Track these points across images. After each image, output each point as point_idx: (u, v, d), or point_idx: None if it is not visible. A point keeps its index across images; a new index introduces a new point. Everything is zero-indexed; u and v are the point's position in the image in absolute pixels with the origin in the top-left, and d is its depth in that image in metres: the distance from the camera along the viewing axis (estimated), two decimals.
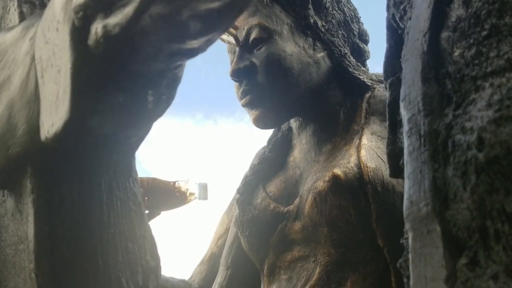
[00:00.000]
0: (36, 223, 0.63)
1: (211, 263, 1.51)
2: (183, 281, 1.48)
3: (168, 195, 1.39)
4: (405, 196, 0.53)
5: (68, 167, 0.64)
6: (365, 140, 1.21)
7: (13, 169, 0.65)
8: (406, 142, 0.55)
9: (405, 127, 0.55)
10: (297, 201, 1.25)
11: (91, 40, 0.52)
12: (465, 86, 0.50)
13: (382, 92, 1.31)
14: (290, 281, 1.23)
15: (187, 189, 1.41)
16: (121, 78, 0.54)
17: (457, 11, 0.53)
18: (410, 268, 0.52)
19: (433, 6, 0.55)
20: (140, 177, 1.38)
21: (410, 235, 0.52)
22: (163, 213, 1.42)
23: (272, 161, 1.41)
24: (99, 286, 0.64)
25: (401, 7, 0.65)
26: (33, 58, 0.61)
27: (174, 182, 1.40)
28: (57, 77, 0.55)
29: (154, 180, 1.39)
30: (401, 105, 0.57)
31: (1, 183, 0.70)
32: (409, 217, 0.52)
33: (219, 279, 1.41)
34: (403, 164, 0.60)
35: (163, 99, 0.60)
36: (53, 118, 0.56)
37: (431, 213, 0.49)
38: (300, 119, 1.35)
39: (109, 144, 0.63)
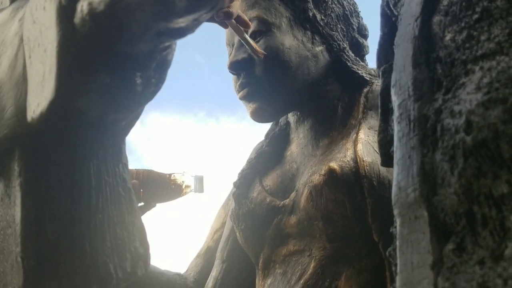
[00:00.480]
0: (23, 206, 0.62)
1: (207, 257, 1.51)
2: (179, 274, 1.48)
3: (163, 187, 1.38)
4: (394, 182, 0.53)
5: (57, 150, 0.64)
6: (362, 135, 1.20)
7: (1, 151, 0.65)
8: (396, 128, 0.54)
9: (396, 112, 0.55)
10: (293, 195, 1.24)
11: (77, 18, 0.52)
12: (456, 70, 0.49)
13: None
14: (285, 275, 1.23)
15: (183, 181, 1.41)
16: (108, 58, 0.54)
17: None
18: (397, 255, 0.51)
19: None
20: (135, 169, 1.38)
21: (398, 222, 0.52)
22: (158, 205, 1.41)
23: (269, 155, 1.40)
24: (86, 271, 0.63)
25: None
26: (21, 39, 0.61)
27: (170, 175, 1.39)
28: (43, 56, 0.54)
29: (149, 172, 1.38)
30: (392, 90, 0.56)
31: None
32: (397, 203, 0.52)
33: (214, 272, 1.41)
34: (393, 151, 0.59)
35: (152, 82, 0.60)
36: (39, 98, 0.55)
37: (419, 198, 0.48)
38: (298, 113, 1.34)
39: (98, 127, 0.62)
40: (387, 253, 0.59)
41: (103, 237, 0.65)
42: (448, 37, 0.51)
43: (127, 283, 0.66)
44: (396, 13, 0.65)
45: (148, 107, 0.62)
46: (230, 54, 1.32)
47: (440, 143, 0.47)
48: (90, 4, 0.49)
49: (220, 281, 1.39)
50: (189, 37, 0.55)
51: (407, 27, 0.56)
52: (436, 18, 0.53)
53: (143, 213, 1.36)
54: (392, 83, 0.57)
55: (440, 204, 0.47)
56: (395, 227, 0.58)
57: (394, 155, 0.54)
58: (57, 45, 0.52)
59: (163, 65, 0.60)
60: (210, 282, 1.40)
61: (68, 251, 0.63)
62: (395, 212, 0.52)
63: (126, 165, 0.70)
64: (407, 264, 0.49)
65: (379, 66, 0.66)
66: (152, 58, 0.57)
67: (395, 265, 0.55)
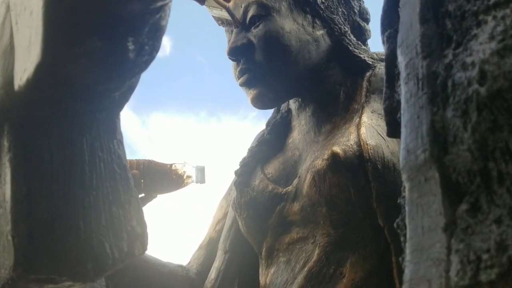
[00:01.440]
0: (13, 183, 0.59)
1: (209, 248, 1.48)
2: (181, 266, 1.45)
3: (165, 177, 1.36)
4: (402, 146, 0.50)
5: (47, 124, 0.61)
6: (365, 118, 1.17)
7: None
8: (403, 89, 0.51)
9: (402, 73, 0.52)
10: (295, 181, 1.22)
11: None
12: (466, 23, 0.46)
13: (383, 70, 1.27)
14: (289, 263, 1.20)
15: (184, 171, 1.38)
16: (97, 20, 0.51)
17: None
18: (407, 221, 0.48)
19: None
20: (136, 159, 1.35)
21: (406, 186, 0.49)
22: (159, 196, 1.39)
23: (271, 143, 1.38)
24: (81, 250, 0.60)
25: None
26: (8, 7, 0.58)
27: (171, 165, 1.37)
28: (29, 19, 0.52)
29: (150, 162, 1.36)
30: (398, 51, 0.54)
31: None
32: (406, 167, 0.49)
33: (217, 263, 1.38)
34: (400, 117, 0.56)
35: (146, 50, 0.57)
36: (25, 64, 0.52)
37: (429, 159, 0.45)
38: (300, 99, 1.32)
39: (90, 98, 0.59)
40: (394, 225, 0.57)
41: (97, 215, 0.62)
42: None
43: (124, 263, 0.64)
44: None
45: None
46: (229, 40, 1.29)
47: (451, 99, 0.45)
48: None
49: (223, 271, 1.36)
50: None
51: None
52: None
53: (144, 204, 1.34)
54: (398, 43, 0.54)
55: (452, 163, 0.44)
56: (403, 196, 0.56)
57: (402, 118, 0.51)
58: (43, 5, 0.49)
59: (157, 31, 0.57)
60: (212, 273, 1.38)
61: (61, 229, 0.60)
62: (404, 177, 0.49)
63: (121, 141, 0.67)
64: (418, 229, 0.46)
65: (383, 31, 0.64)
66: (144, 21, 0.54)
67: (404, 235, 0.52)
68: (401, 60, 0.52)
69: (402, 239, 0.54)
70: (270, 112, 1.32)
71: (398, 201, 0.57)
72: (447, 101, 0.45)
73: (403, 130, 0.50)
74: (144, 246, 0.66)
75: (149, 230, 0.68)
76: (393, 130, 0.59)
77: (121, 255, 0.63)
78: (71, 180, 0.61)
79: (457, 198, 0.43)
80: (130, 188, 0.66)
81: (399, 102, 0.57)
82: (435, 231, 0.43)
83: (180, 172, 1.38)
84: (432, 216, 0.44)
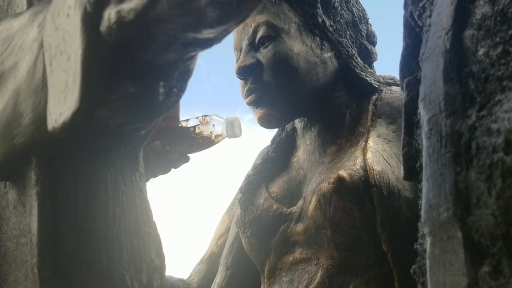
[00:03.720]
0: (40, 216, 0.61)
1: (210, 262, 1.49)
2: (182, 280, 1.46)
3: (190, 141, 1.22)
4: (424, 200, 0.52)
5: (74, 159, 0.62)
6: (371, 143, 1.19)
7: (18, 159, 0.63)
8: (425, 144, 0.53)
9: (425, 127, 0.53)
10: (300, 202, 1.23)
11: (104, 26, 0.50)
12: (490, 86, 0.48)
13: (389, 94, 1.29)
14: (291, 283, 1.22)
15: (211, 132, 1.24)
16: (133, 68, 0.52)
17: (482, 8, 0.51)
18: (428, 275, 0.50)
19: (456, 3, 0.54)
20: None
21: (428, 241, 0.50)
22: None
23: (276, 161, 1.39)
24: (103, 283, 0.62)
25: (420, 4, 0.64)
26: (41, 45, 0.59)
27: (194, 127, 1.22)
28: (66, 64, 0.53)
29: (172, 127, 1.21)
30: (421, 104, 0.55)
31: (5, 174, 0.67)
32: (428, 221, 0.51)
33: (218, 279, 1.39)
34: (420, 166, 0.58)
35: (174, 92, 0.59)
36: (61, 107, 0.53)
37: (452, 218, 0.47)
38: (305, 119, 1.33)
39: (118, 136, 0.61)
40: (411, 271, 0.58)
41: (119, 248, 0.63)
42: (481, 51, 0.50)
43: None
44: (420, 24, 0.64)
45: None
46: (238, 59, 1.31)
47: (475, 162, 0.46)
48: (118, 12, 0.48)
49: None
50: None
51: (437, 40, 0.55)
52: (468, 32, 0.52)
53: (178, 166, 1.23)
54: (421, 96, 0.56)
55: (475, 224, 0.45)
56: (421, 244, 0.57)
57: (423, 171, 0.53)
58: (82, 53, 0.50)
59: (185, 74, 0.59)
60: None
61: (84, 262, 0.61)
62: (425, 230, 0.51)
63: (142, 174, 0.68)
64: (439, 285, 0.48)
65: (402, 78, 0.65)
66: (176, 68, 0.56)
67: (422, 283, 0.54)
68: (423, 114, 0.54)
69: (419, 287, 0.56)
70: None
71: (415, 247, 0.58)
72: (470, 163, 0.47)
73: (425, 184, 0.52)
74: (162, 278, 0.67)
75: (163, 250, 0.69)
76: (411, 175, 0.61)
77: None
78: (95, 213, 0.63)
79: (479, 259, 0.45)
80: (150, 221, 0.68)
81: (417, 150, 0.59)
82: None
83: (206, 134, 1.24)
84: (454, 274, 0.45)
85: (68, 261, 0.61)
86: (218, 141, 1.27)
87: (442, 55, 0.53)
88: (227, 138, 1.28)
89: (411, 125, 0.61)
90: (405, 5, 0.68)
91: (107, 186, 0.64)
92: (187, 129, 1.24)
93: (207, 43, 0.52)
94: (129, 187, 0.66)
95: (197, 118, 1.27)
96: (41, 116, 0.59)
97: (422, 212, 0.51)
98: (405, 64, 0.65)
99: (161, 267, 0.67)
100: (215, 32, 0.49)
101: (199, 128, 1.24)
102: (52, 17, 0.57)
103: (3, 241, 0.72)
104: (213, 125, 1.25)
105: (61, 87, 0.54)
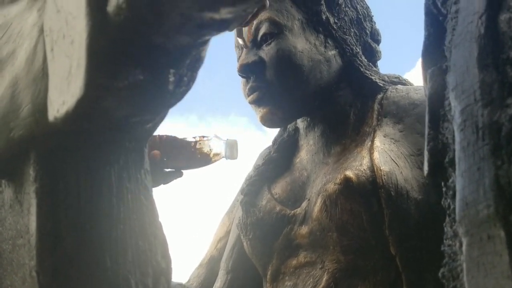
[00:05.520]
0: (39, 215, 0.56)
1: (209, 266, 1.45)
2: (181, 284, 1.42)
3: (189, 156, 1.24)
4: (458, 197, 0.48)
5: (76, 154, 0.58)
6: (378, 142, 1.16)
7: (15, 154, 0.59)
8: (458, 136, 0.49)
9: (457, 119, 0.50)
10: (304, 204, 1.20)
11: (111, 6, 0.46)
12: None
13: (395, 93, 1.26)
14: None
15: (210, 149, 1.26)
16: (142, 52, 0.48)
17: None
18: (465, 279, 0.46)
19: None
20: (158, 135, 1.21)
21: (464, 241, 0.46)
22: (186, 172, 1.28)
23: (278, 162, 1.35)
24: (106, 287, 0.57)
25: None
26: (41, 30, 0.55)
27: (196, 142, 1.24)
28: (69, 49, 0.49)
29: (173, 139, 1.23)
30: (451, 94, 0.52)
31: (1, 170, 0.63)
32: (464, 220, 0.47)
33: (218, 283, 1.35)
34: (448, 161, 0.54)
35: (184, 81, 0.54)
36: (64, 96, 0.49)
37: (493, 216, 0.43)
38: (308, 119, 1.30)
39: (122, 129, 0.56)
40: (439, 275, 0.54)
41: (124, 250, 0.59)
42: None
43: None
44: (444, 12, 0.61)
45: None
46: (239, 57, 1.27)
47: None
48: None
49: None
50: None
51: (469, 25, 0.51)
52: (504, 16, 0.49)
53: (170, 181, 1.24)
54: (451, 86, 0.52)
55: None
56: (449, 245, 0.54)
57: (457, 166, 0.49)
58: (87, 36, 0.46)
59: (197, 63, 0.55)
60: None
61: (87, 265, 0.57)
62: (461, 230, 0.47)
63: (148, 171, 0.64)
64: None
65: (426, 68, 0.62)
66: (187, 54, 0.52)
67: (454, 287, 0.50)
68: (455, 104, 0.50)
69: None
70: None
71: (442, 248, 0.55)
72: None
73: (459, 180, 0.48)
74: (168, 283, 0.63)
75: (170, 252, 0.65)
76: (435, 171, 0.58)
77: None
78: (98, 212, 0.59)
79: None
80: (156, 221, 0.63)
81: (444, 144, 0.56)
82: None
83: (205, 151, 1.25)
84: (497, 278, 0.42)
85: (69, 263, 0.56)
86: (215, 160, 1.27)
87: (476, 41, 0.49)
88: (224, 158, 1.28)
89: (436, 118, 0.58)
90: None
91: (111, 183, 0.59)
92: (188, 143, 1.24)
93: (224, 25, 0.48)
94: (134, 184, 0.62)
95: (194, 138, 1.27)
96: (40, 107, 0.54)
97: (457, 210, 0.47)
98: (428, 54, 0.62)
99: (168, 270, 0.63)
100: (234, 12, 0.45)
101: (199, 144, 1.24)
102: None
103: None
104: (213, 145, 1.26)
105: (63, 74, 0.49)
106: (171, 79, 0.52)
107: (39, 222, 0.56)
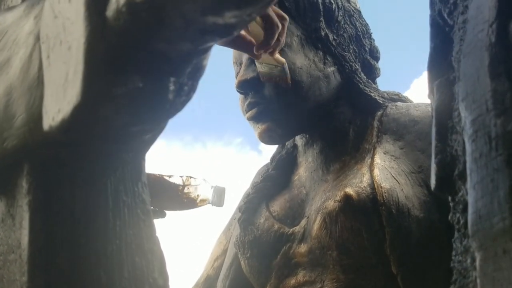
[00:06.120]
0: (32, 229, 0.54)
1: (206, 286, 1.43)
2: None
3: (174, 198, 1.23)
4: (471, 210, 0.46)
5: (71, 166, 0.56)
6: (378, 160, 1.14)
7: (8, 165, 0.56)
8: (469, 148, 0.47)
9: (468, 130, 0.48)
10: (303, 222, 1.18)
11: (111, 10, 0.44)
12: None
13: (395, 110, 1.25)
14: None
15: (197, 195, 1.25)
16: (141, 59, 0.46)
17: None
18: None
19: None
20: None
21: (478, 256, 0.44)
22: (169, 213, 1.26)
23: (276, 179, 1.34)
24: None
25: (451, 0, 0.59)
26: (37, 38, 0.53)
27: (184, 186, 1.23)
28: (66, 55, 0.47)
29: (160, 179, 1.22)
30: (461, 105, 0.50)
31: None
32: (477, 234, 0.45)
33: None
34: (458, 174, 0.52)
35: (184, 90, 0.53)
36: (60, 103, 0.47)
37: (509, 229, 0.41)
38: (307, 136, 1.28)
39: (120, 139, 0.54)
40: None
41: (120, 266, 0.57)
42: None
43: None
44: (451, 23, 0.59)
45: None
46: (238, 73, 1.26)
47: None
48: None
49: None
50: None
51: (479, 34, 0.50)
52: None
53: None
54: (461, 96, 0.50)
55: None
56: (459, 261, 0.52)
57: (469, 178, 0.47)
58: (85, 41, 0.44)
59: (198, 71, 0.53)
60: None
61: (81, 282, 0.54)
62: (474, 244, 0.45)
63: (145, 184, 0.62)
64: None
65: (432, 80, 0.60)
66: (188, 62, 0.50)
67: None
68: (466, 115, 0.49)
69: None
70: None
71: (451, 265, 0.53)
72: None
73: (471, 192, 0.46)
74: None
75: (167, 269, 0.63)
76: (444, 185, 0.56)
77: None
78: (94, 227, 0.56)
79: None
80: (153, 236, 0.61)
81: (453, 157, 0.54)
82: None
83: (192, 196, 1.25)
84: None
85: (62, 279, 0.54)
86: (201, 206, 1.27)
87: (487, 49, 0.48)
88: (210, 205, 1.28)
89: (444, 130, 0.56)
90: (432, 4, 0.63)
91: (107, 196, 0.57)
92: (175, 185, 1.23)
93: (227, 30, 0.46)
94: (131, 198, 0.59)
95: (181, 177, 1.26)
96: (35, 117, 0.52)
97: (470, 224, 0.45)
98: (434, 66, 0.60)
99: (165, 287, 0.61)
100: (239, 16, 0.43)
101: (188, 188, 1.23)
102: (51, 5, 0.51)
103: None
104: (201, 190, 1.25)
105: (60, 81, 0.47)
106: (172, 87, 0.50)
107: (31, 236, 0.54)
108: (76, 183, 0.57)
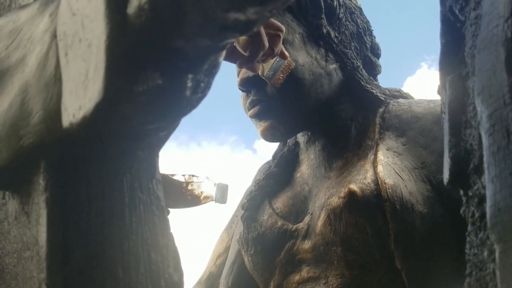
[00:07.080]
0: (49, 226, 0.54)
1: (209, 283, 1.43)
2: None
3: (178, 195, 1.23)
4: (489, 203, 0.46)
5: (87, 163, 0.56)
6: (381, 156, 1.14)
7: (24, 163, 0.56)
8: (487, 142, 0.48)
9: (485, 124, 0.48)
10: (307, 218, 1.18)
11: (132, 7, 0.44)
12: None
13: (397, 107, 1.25)
14: None
15: (201, 192, 1.26)
16: (161, 56, 0.47)
17: None
18: (499, 287, 0.44)
19: None
20: None
21: (498, 249, 0.45)
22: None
23: (278, 177, 1.34)
24: None
25: None
26: (53, 35, 0.53)
27: (187, 183, 1.24)
28: (86, 52, 0.47)
29: (164, 177, 1.21)
30: (477, 99, 0.50)
31: (6, 181, 0.61)
32: (497, 226, 0.45)
33: None
34: (474, 168, 0.53)
35: (201, 87, 0.53)
36: (80, 100, 0.47)
37: None
38: (309, 133, 1.29)
39: (136, 137, 0.55)
40: (465, 284, 0.53)
41: (136, 262, 0.57)
42: None
43: None
44: (462, 19, 0.60)
45: None
46: (239, 71, 1.26)
47: None
48: None
49: None
50: None
51: (494, 29, 0.50)
52: None
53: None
54: (477, 91, 0.51)
55: None
56: (474, 254, 0.52)
57: (486, 172, 0.48)
58: (106, 38, 0.44)
59: (214, 68, 0.53)
60: None
61: (98, 277, 0.55)
62: (493, 237, 0.46)
63: (159, 180, 0.62)
64: None
65: (444, 75, 0.61)
66: (206, 59, 0.50)
67: None
68: (482, 109, 0.49)
69: None
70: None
71: (467, 257, 0.53)
72: None
73: (489, 186, 0.47)
74: None
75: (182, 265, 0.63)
76: (458, 179, 0.56)
77: None
78: (110, 223, 0.56)
79: None
80: (167, 232, 0.61)
81: (468, 151, 0.54)
82: None
83: (196, 193, 1.25)
84: None
85: (80, 275, 0.54)
86: (205, 203, 1.27)
87: (503, 44, 0.48)
88: (213, 202, 1.28)
89: (457, 125, 0.56)
90: (442, 0, 0.63)
91: (123, 193, 0.57)
92: (179, 182, 1.24)
93: (248, 27, 0.46)
94: (146, 195, 0.59)
95: (183, 175, 1.26)
96: (52, 114, 0.52)
97: (488, 217, 0.46)
98: (445, 62, 0.61)
99: (180, 283, 0.61)
100: (260, 12, 0.44)
101: (191, 185, 1.24)
102: (68, 3, 0.51)
103: (1, 258, 0.65)
104: (204, 187, 1.26)
105: (79, 79, 0.48)
106: (189, 84, 0.51)
107: (49, 233, 0.54)
108: (92, 180, 0.57)
